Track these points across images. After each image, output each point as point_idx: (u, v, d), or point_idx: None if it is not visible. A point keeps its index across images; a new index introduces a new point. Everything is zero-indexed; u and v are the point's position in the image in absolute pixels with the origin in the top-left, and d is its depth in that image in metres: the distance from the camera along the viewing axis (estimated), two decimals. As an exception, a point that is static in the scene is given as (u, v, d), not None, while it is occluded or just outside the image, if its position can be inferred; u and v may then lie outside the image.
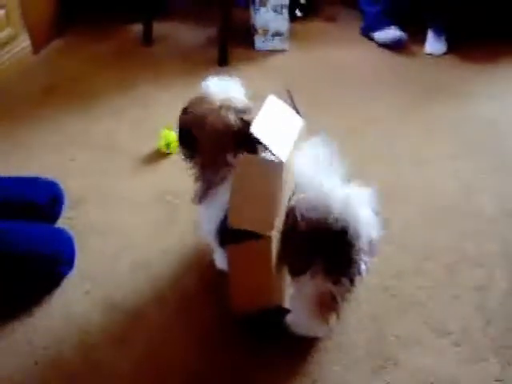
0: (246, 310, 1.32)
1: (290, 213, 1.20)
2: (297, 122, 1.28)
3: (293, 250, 1.21)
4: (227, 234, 1.19)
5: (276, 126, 1.22)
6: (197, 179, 1.36)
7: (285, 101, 1.33)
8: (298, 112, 1.33)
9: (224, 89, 1.33)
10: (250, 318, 1.36)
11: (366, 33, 3.06)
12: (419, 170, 1.97)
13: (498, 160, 2.03)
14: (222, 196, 1.26)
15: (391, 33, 2.91)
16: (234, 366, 1.30)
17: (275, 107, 1.27)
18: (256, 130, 1.16)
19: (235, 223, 1.15)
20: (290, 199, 1.22)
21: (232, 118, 1.27)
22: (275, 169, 1.14)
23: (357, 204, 1.16)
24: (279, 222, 1.17)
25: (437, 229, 1.71)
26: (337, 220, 1.15)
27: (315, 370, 1.30)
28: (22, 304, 1.42)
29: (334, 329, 1.36)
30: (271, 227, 1.13)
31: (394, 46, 2.90)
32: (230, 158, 1.26)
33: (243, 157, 1.18)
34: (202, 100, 1.32)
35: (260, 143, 1.15)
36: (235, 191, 1.16)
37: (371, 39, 3.01)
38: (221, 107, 1.28)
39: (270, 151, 1.14)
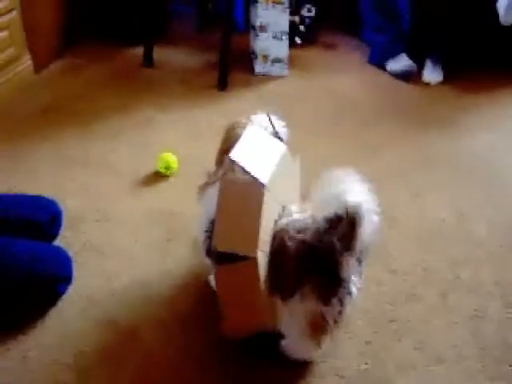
0: (238, 333, 1.32)
1: (277, 235, 1.21)
2: (278, 148, 1.31)
3: (280, 272, 1.21)
4: (213, 257, 1.21)
5: (257, 152, 1.25)
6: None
7: (267, 125, 1.37)
8: (279, 137, 1.36)
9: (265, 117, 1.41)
10: (245, 342, 1.36)
11: (376, 62, 3.10)
12: (415, 197, 1.99)
13: (493, 189, 2.06)
14: (212, 197, 1.28)
15: (403, 63, 2.95)
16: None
17: (256, 135, 1.30)
18: (235, 155, 1.18)
19: (219, 246, 1.16)
20: (276, 222, 1.24)
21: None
22: (257, 191, 1.16)
23: (346, 224, 1.17)
24: (265, 243, 1.18)
25: (432, 256, 1.72)
26: (325, 240, 1.17)
27: (310, 395, 1.30)
28: (17, 322, 1.42)
29: (329, 353, 1.37)
30: (254, 249, 1.14)
31: (405, 76, 2.94)
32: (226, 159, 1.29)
33: (226, 179, 1.20)
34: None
35: (240, 167, 1.17)
36: (219, 214, 1.18)
37: (381, 68, 3.06)
38: (252, 122, 1.36)
39: (250, 174, 1.16)
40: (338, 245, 1.16)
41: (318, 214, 1.20)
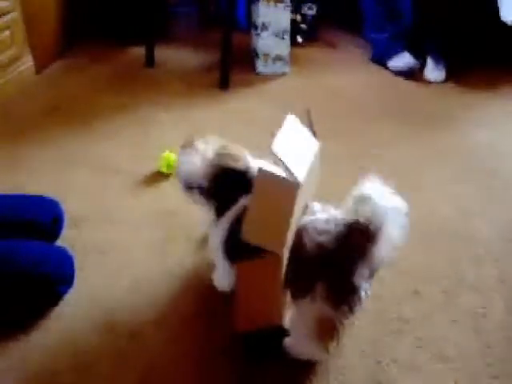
0: (250, 328, 1.32)
1: (298, 234, 1.21)
2: (313, 144, 1.30)
3: (296, 271, 1.22)
4: (238, 248, 1.21)
5: (294, 147, 1.24)
6: None
7: (303, 121, 1.35)
8: (314, 133, 1.34)
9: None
10: (250, 338, 1.36)
11: (378, 60, 3.09)
12: (418, 195, 1.98)
13: (496, 185, 2.05)
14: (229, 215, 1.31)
15: (405, 60, 2.95)
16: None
17: (294, 127, 1.29)
18: (276, 148, 1.17)
19: (249, 237, 1.16)
20: (299, 220, 1.24)
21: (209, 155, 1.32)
22: (291, 188, 1.15)
23: (366, 231, 1.16)
24: (289, 241, 1.18)
25: (434, 253, 1.71)
26: (342, 246, 1.17)
27: (313, 394, 1.29)
28: (19, 323, 1.42)
29: (332, 352, 1.36)
30: (282, 245, 1.14)
31: (407, 74, 2.94)
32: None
33: (261, 173, 1.18)
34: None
35: (280, 161, 1.16)
36: (252, 206, 1.17)
37: (383, 66, 3.05)
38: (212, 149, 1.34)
39: (289, 171, 1.15)
40: (354, 253, 1.16)
41: (341, 218, 1.21)
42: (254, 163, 1.32)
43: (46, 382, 1.29)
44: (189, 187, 1.36)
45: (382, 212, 1.14)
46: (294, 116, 1.32)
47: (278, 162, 1.15)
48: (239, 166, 1.31)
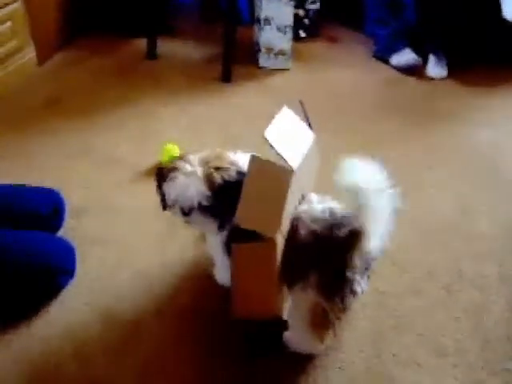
0: (247, 316, 1.32)
1: (293, 221, 1.22)
2: (308, 135, 1.30)
3: (288, 258, 1.22)
4: (233, 233, 1.21)
5: (288, 136, 1.24)
6: None
7: (298, 112, 1.35)
8: (309, 124, 1.35)
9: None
10: (249, 330, 1.37)
11: (380, 56, 3.09)
12: (419, 192, 1.98)
13: (497, 183, 2.05)
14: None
15: (407, 57, 2.94)
16: (231, 381, 1.30)
17: (288, 118, 1.29)
18: (269, 136, 1.17)
19: (243, 222, 1.16)
20: (295, 208, 1.24)
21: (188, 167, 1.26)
22: (285, 175, 1.15)
23: (362, 221, 1.16)
24: (284, 228, 1.19)
25: (435, 250, 1.71)
26: (335, 236, 1.17)
27: (312, 388, 1.29)
28: (20, 314, 1.42)
29: (332, 346, 1.36)
30: (276, 231, 1.14)
31: (409, 70, 2.94)
32: None
33: (256, 159, 1.18)
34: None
35: (272, 147, 1.16)
36: (246, 192, 1.17)
37: (385, 62, 3.05)
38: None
39: (282, 158, 1.15)
40: (347, 242, 1.17)
41: (337, 208, 1.22)
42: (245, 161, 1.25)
43: (49, 373, 1.30)
44: (187, 212, 1.29)
45: (371, 205, 1.15)
46: (289, 108, 1.33)
47: (270, 149, 1.16)
48: (232, 174, 1.26)
